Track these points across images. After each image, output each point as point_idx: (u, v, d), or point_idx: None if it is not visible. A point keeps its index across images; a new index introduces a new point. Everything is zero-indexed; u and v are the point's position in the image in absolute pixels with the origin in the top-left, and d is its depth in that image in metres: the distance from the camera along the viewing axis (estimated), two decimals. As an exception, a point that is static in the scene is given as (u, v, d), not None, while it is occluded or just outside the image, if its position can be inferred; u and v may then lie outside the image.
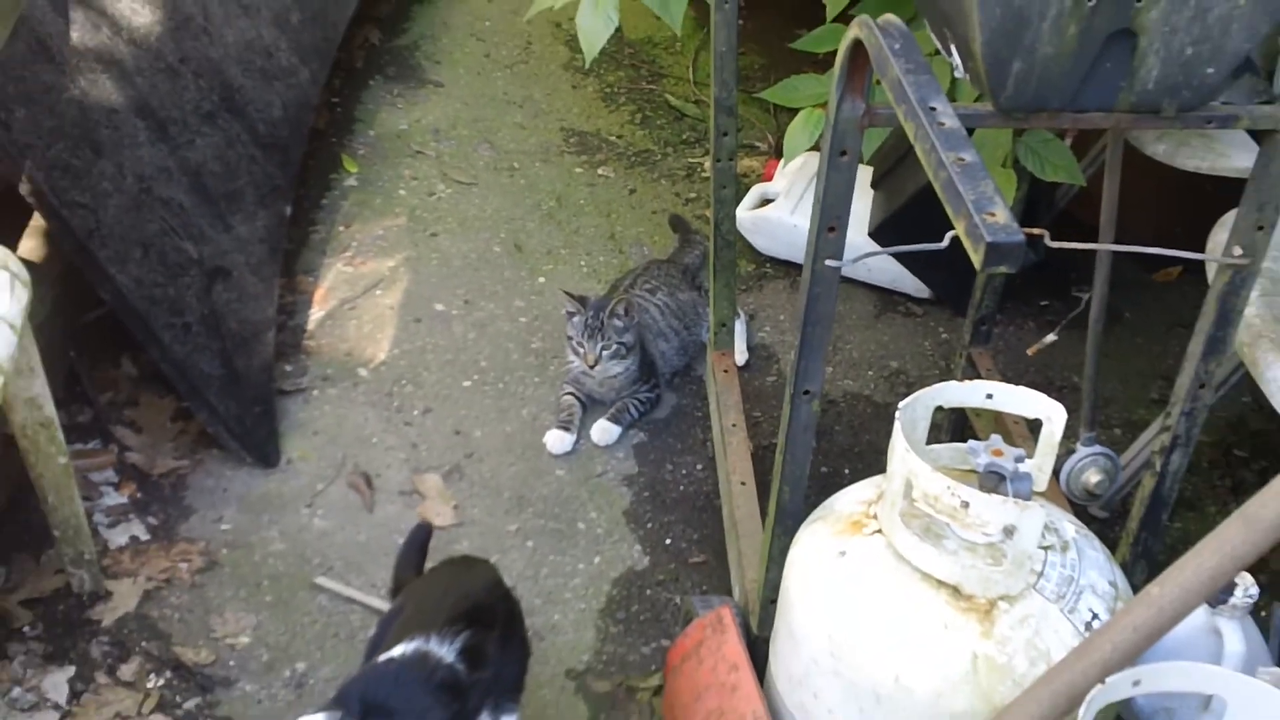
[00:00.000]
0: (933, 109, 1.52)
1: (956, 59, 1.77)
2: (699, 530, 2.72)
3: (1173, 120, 1.72)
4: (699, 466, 2.87)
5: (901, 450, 1.87)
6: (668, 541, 2.71)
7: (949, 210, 1.42)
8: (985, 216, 1.36)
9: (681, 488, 2.82)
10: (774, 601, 2.13)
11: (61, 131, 2.58)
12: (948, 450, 1.94)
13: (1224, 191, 2.27)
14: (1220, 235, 2.51)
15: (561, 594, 2.58)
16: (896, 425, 1.89)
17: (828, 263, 1.86)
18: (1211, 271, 2.03)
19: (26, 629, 2.42)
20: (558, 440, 2.87)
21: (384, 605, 2.41)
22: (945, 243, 1.56)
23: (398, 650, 1.98)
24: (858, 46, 1.71)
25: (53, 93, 2.59)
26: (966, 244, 1.39)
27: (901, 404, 1.92)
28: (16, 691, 2.31)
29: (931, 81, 1.58)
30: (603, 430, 2.90)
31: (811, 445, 2.05)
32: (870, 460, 2.84)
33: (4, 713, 2.28)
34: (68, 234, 2.57)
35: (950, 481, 1.82)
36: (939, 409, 1.97)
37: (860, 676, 1.89)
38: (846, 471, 2.82)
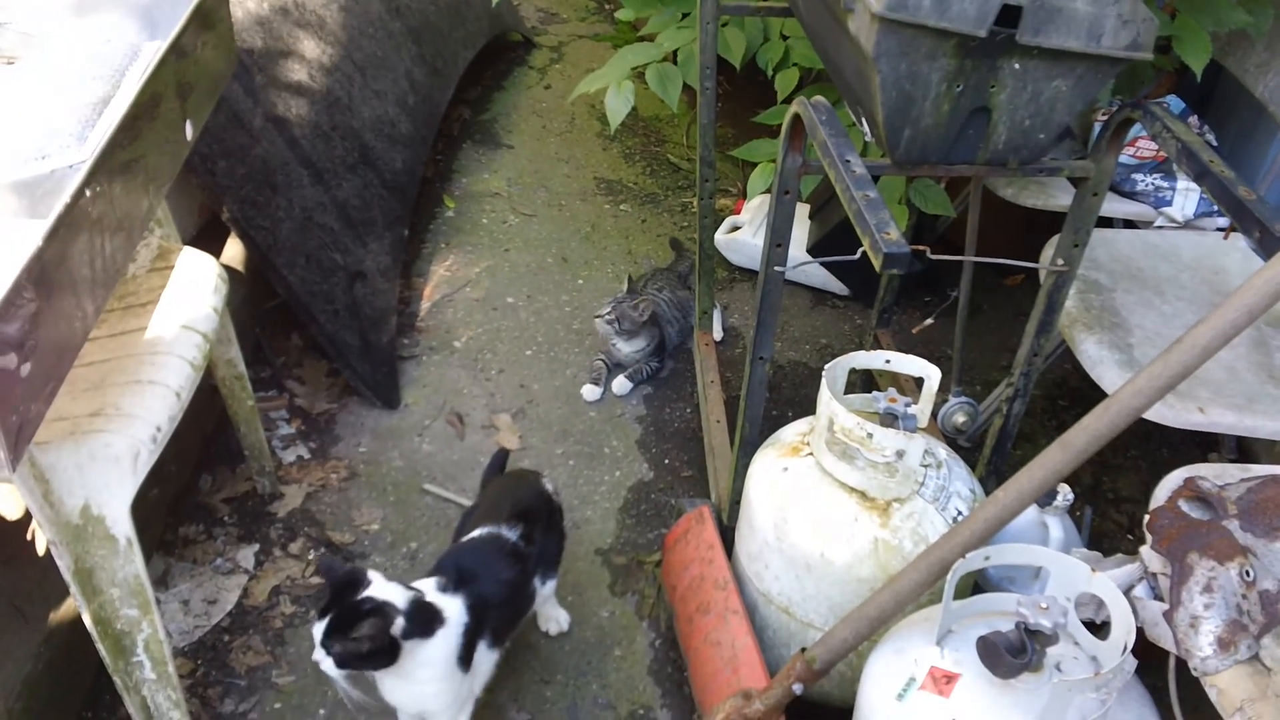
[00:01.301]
0: (848, 160, 1.52)
1: (866, 128, 1.76)
2: (688, 454, 2.72)
3: (1016, 170, 1.72)
4: (688, 410, 2.86)
5: (826, 398, 1.87)
6: (666, 461, 2.70)
7: (858, 231, 1.42)
8: (883, 235, 1.36)
9: (676, 425, 2.81)
10: (738, 502, 2.13)
11: (250, 177, 2.57)
12: (858, 398, 1.94)
13: (1053, 221, 2.27)
14: (1049, 252, 2.51)
15: (592, 497, 2.58)
16: (823, 381, 1.90)
17: (776, 268, 1.86)
18: (1043, 276, 2.03)
19: (225, 518, 2.43)
20: (590, 391, 2.86)
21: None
22: (857, 255, 1.56)
23: (476, 533, 1.98)
24: (797, 119, 1.71)
25: (244, 150, 2.59)
26: (870, 254, 1.39)
27: (827, 366, 1.92)
28: (219, 561, 2.32)
29: (847, 142, 1.58)
30: (620, 384, 2.88)
31: (765, 395, 2.05)
32: (807, 406, 2.83)
33: (211, 574, 2.29)
34: (254, 248, 2.57)
35: (860, 419, 1.82)
36: (853, 370, 1.96)
37: (796, 553, 1.90)
38: (790, 414, 2.82)
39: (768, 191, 2.74)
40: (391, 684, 1.78)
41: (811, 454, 1.95)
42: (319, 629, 1.65)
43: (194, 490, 2.47)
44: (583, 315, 3.14)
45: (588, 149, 3.98)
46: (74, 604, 1.88)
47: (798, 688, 1.75)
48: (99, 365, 1.80)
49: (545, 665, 2.18)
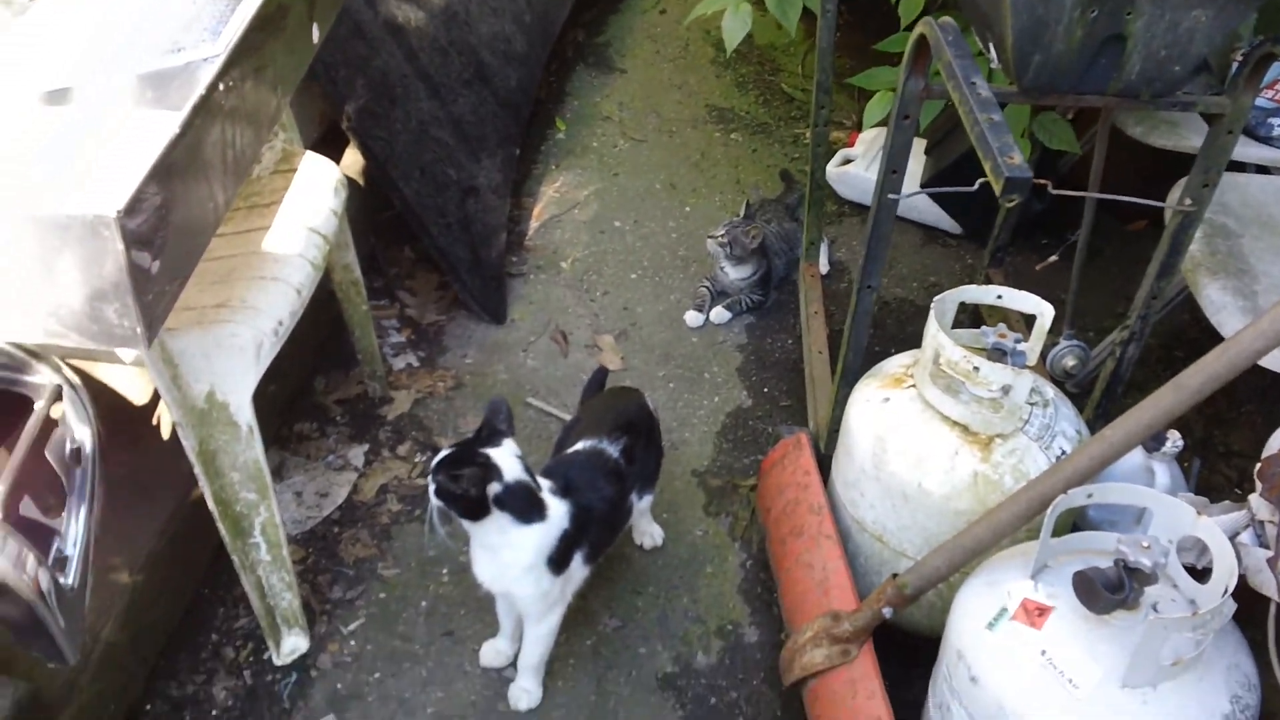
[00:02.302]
0: (973, 83, 1.50)
1: (993, 54, 1.73)
2: (787, 384, 2.72)
3: (1148, 103, 1.67)
4: (790, 342, 2.85)
5: (933, 330, 1.86)
6: (765, 390, 2.71)
7: (980, 154, 1.40)
8: (1006, 159, 1.35)
9: (777, 355, 2.82)
10: (837, 431, 2.14)
11: (369, 87, 2.62)
12: (966, 334, 1.92)
13: (1181, 166, 2.19)
14: (1176, 193, 2.44)
15: (691, 420, 2.61)
16: (931, 312, 1.88)
17: (890, 195, 1.85)
18: (1168, 216, 1.97)
19: (337, 418, 2.52)
20: (693, 318, 2.88)
21: (571, 419, 2.48)
22: (975, 186, 1.55)
23: (580, 446, 2.02)
24: (922, 40, 1.68)
25: (364, 61, 2.64)
26: (991, 178, 1.37)
27: (936, 298, 1.91)
28: (330, 458, 2.42)
29: (973, 65, 1.55)
30: (718, 314, 2.89)
31: (869, 326, 2.05)
32: (911, 344, 2.76)
33: (323, 470, 2.38)
34: (371, 158, 2.62)
35: (967, 352, 1.81)
36: (962, 306, 1.94)
37: (894, 482, 1.90)
38: (893, 351, 2.76)
39: (883, 123, 2.69)
40: (482, 555, 1.86)
41: (914, 386, 1.94)
42: (441, 453, 1.77)
43: (308, 391, 2.57)
44: (689, 242, 3.15)
45: (701, 76, 3.95)
46: (195, 486, 1.98)
47: (888, 611, 1.77)
48: (226, 260, 1.87)
49: (638, 576, 2.23)
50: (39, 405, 1.49)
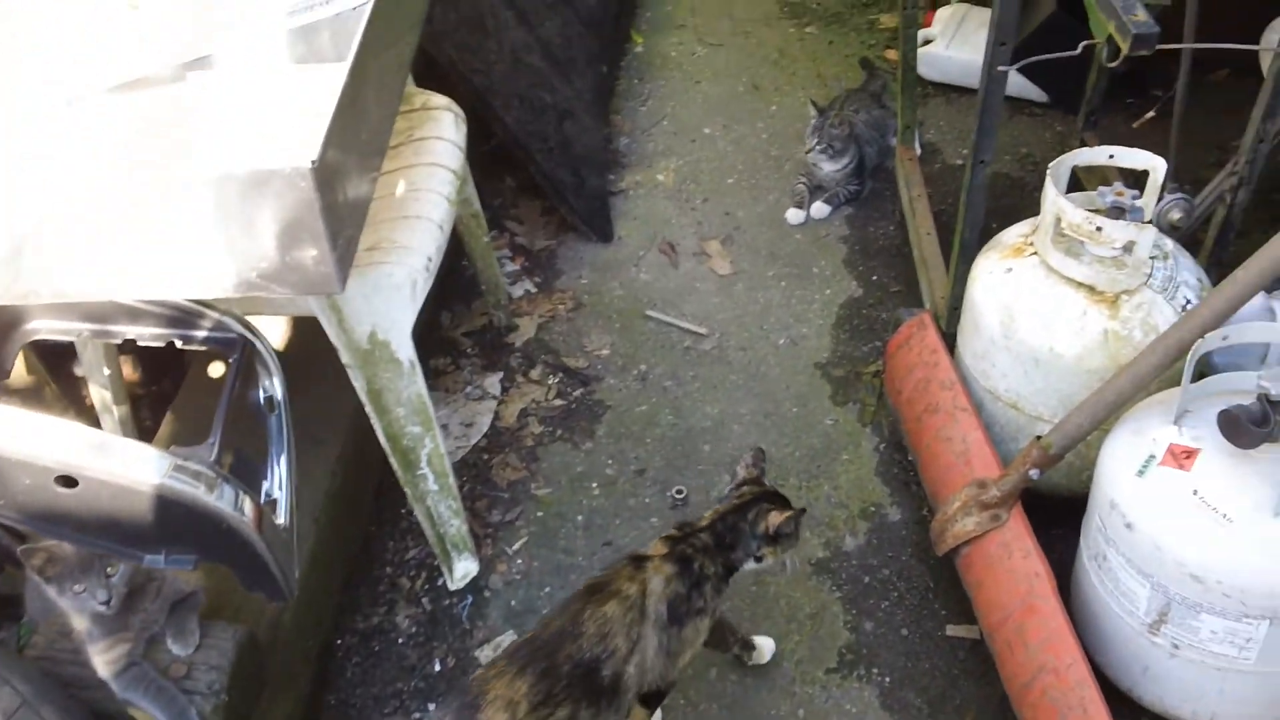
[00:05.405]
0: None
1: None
2: (895, 270, 2.78)
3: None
4: (891, 228, 2.90)
5: (1053, 195, 1.91)
6: (874, 278, 2.77)
7: (1101, 16, 1.45)
8: (1130, 18, 1.39)
9: (880, 242, 2.87)
10: (957, 308, 2.21)
11: (463, 22, 2.67)
12: (1080, 196, 1.97)
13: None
14: (1273, 36, 2.45)
15: (806, 314, 2.68)
16: (1048, 178, 1.93)
17: (999, 69, 1.89)
18: (1265, 61, 1.99)
19: (468, 350, 2.64)
20: (794, 215, 2.94)
21: (693, 327, 2.58)
22: (1079, 50, 1.59)
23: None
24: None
25: (455, -2, 2.69)
26: (1117, 37, 1.42)
27: (1051, 164, 1.96)
28: (469, 389, 2.54)
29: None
30: (819, 209, 2.94)
31: (984, 201, 2.10)
32: (1008, 215, 2.74)
33: (463, 401, 2.51)
34: (472, 90, 2.65)
35: (1087, 213, 1.86)
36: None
37: (1024, 349, 1.97)
38: (994, 224, 2.76)
39: (965, -2, 2.70)
40: None
41: (1035, 253, 2.00)
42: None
43: (436, 326, 2.69)
44: (779, 141, 3.19)
45: (768, -29, 3.94)
46: (355, 429, 2.11)
47: (1034, 473, 1.85)
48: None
49: (778, 471, 2.33)
50: (232, 359, 1.62)
